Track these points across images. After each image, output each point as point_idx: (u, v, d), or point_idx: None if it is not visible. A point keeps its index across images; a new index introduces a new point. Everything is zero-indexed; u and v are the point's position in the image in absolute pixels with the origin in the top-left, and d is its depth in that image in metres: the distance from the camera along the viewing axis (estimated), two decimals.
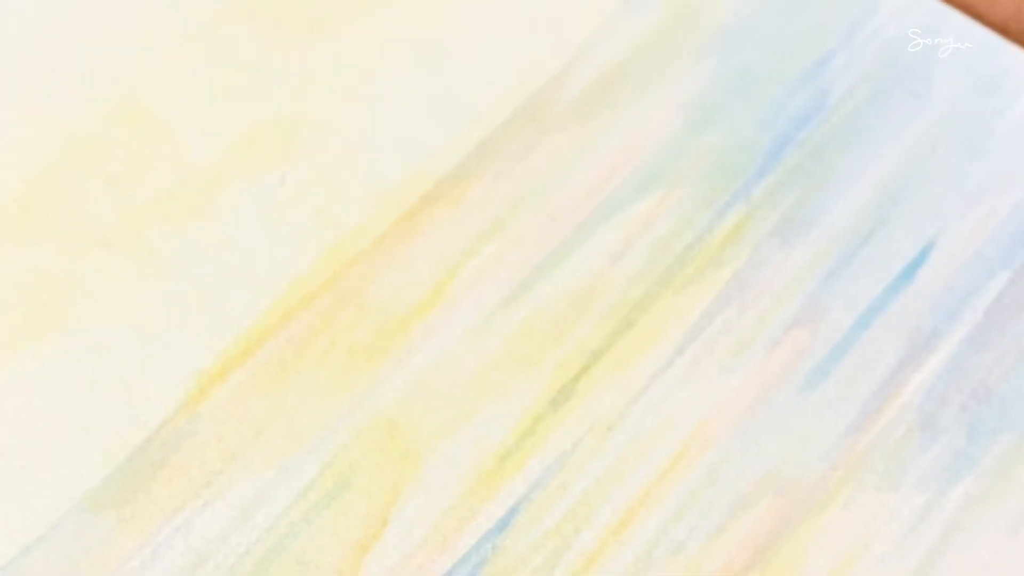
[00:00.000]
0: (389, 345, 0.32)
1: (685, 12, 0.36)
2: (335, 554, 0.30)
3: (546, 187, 0.34)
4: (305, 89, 0.35)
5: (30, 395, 0.31)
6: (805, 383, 0.31)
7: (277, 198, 0.34)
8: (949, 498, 0.30)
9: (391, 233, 0.33)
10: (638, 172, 0.34)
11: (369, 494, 0.30)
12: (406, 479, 0.30)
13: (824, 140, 0.34)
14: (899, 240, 0.33)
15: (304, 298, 0.32)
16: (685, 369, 0.32)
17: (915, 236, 0.33)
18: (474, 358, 0.32)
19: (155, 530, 0.30)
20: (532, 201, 0.34)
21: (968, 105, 0.35)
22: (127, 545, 0.29)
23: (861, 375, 0.31)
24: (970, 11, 0.36)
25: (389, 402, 0.31)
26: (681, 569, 0.29)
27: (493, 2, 0.37)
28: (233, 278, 0.33)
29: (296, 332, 0.32)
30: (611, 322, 0.32)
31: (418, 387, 0.31)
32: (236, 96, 0.35)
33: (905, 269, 0.33)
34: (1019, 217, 0.33)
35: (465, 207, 0.34)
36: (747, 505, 0.30)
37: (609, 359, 0.32)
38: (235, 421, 0.31)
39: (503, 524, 0.30)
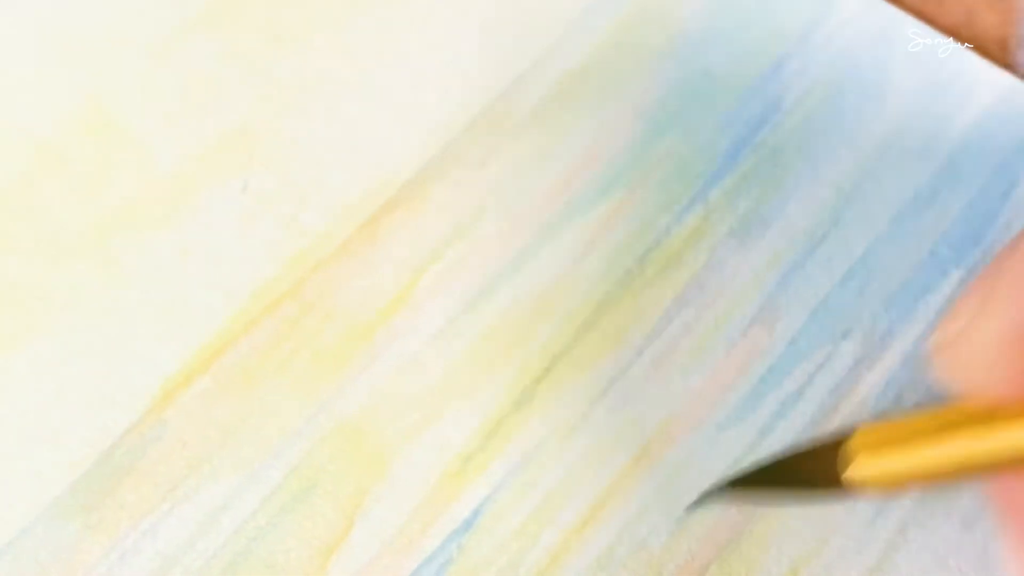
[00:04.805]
0: (353, 350, 0.32)
1: (643, 18, 0.37)
2: (302, 557, 0.30)
3: (507, 192, 0.34)
4: (268, 98, 0.36)
5: None
6: (763, 382, 0.32)
7: (241, 206, 0.34)
8: (905, 493, 0.31)
9: (354, 239, 0.34)
10: (598, 176, 0.34)
11: (335, 497, 0.31)
12: (371, 482, 0.31)
13: (780, 143, 0.35)
14: (854, 240, 0.33)
15: (268, 305, 0.33)
16: (646, 370, 0.32)
17: (869, 236, 0.33)
18: (437, 362, 0.32)
19: (122, 535, 0.30)
20: (493, 206, 0.34)
21: (919, 108, 0.35)
22: (94, 551, 0.30)
23: (818, 373, 0.32)
24: (921, 17, 0.37)
25: (354, 407, 0.32)
26: (643, 566, 0.30)
27: (453, 11, 0.37)
28: (198, 285, 0.33)
29: (261, 338, 0.32)
30: (572, 324, 0.33)
31: (382, 391, 0.32)
32: (200, 105, 0.35)
33: (860, 269, 0.33)
34: (971, 216, 0.34)
35: (427, 213, 0.34)
36: (708, 503, 0.30)
37: (571, 361, 0.32)
38: (201, 427, 0.31)
39: (468, 525, 0.30)
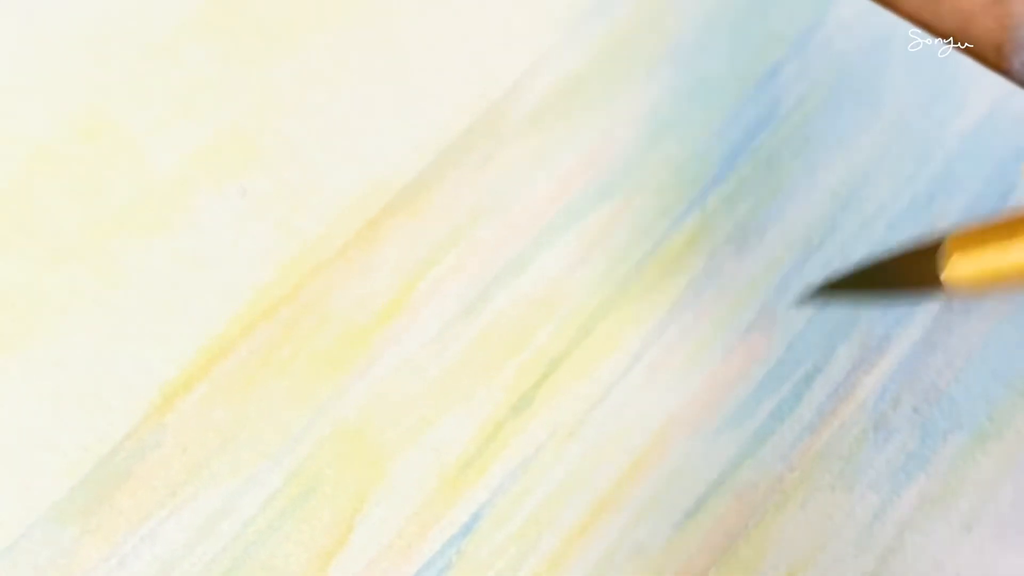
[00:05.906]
0: (351, 354, 0.32)
1: (640, 24, 0.37)
2: (301, 562, 0.30)
3: (505, 197, 0.34)
4: (266, 102, 0.36)
5: None
6: (761, 387, 0.32)
7: (238, 210, 0.34)
8: (903, 497, 0.31)
9: (352, 243, 0.34)
10: (595, 182, 0.35)
11: (334, 502, 0.30)
12: (370, 486, 0.31)
13: (777, 148, 0.35)
14: (850, 245, 0.34)
15: (266, 309, 0.33)
16: (644, 375, 0.32)
17: (865, 241, 0.34)
18: (436, 366, 0.32)
19: (121, 540, 0.30)
20: (491, 210, 0.34)
21: (916, 113, 0.35)
22: (93, 556, 0.30)
23: (816, 378, 0.32)
24: (918, 22, 0.37)
25: (352, 411, 0.32)
26: (642, 571, 0.30)
27: (451, 15, 0.37)
28: (195, 290, 0.33)
29: (259, 343, 0.32)
30: (570, 329, 0.33)
31: (381, 395, 0.32)
32: (197, 109, 0.35)
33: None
34: (967, 221, 0.34)
35: (425, 217, 0.34)
36: (706, 507, 0.31)
37: (569, 366, 0.32)
38: (199, 432, 0.31)
39: (467, 529, 0.30)
